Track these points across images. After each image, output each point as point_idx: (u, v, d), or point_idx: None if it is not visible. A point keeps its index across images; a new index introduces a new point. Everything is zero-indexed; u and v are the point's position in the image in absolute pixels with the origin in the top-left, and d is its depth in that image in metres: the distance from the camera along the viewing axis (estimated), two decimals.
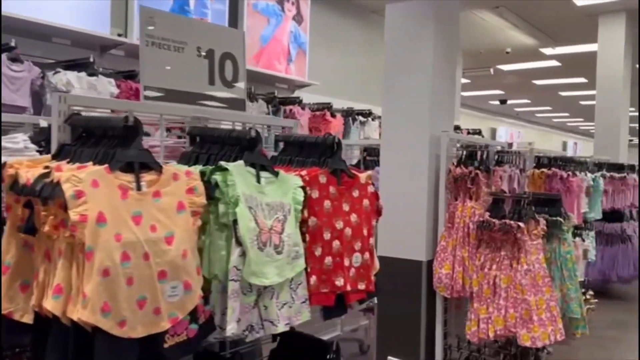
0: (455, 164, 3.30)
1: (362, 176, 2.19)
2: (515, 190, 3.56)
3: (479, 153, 3.26)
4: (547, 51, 10.29)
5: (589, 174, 5.27)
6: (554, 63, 11.35)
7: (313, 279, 1.89)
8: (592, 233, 5.37)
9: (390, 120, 3.48)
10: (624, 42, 7.78)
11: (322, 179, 2.00)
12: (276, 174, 1.84)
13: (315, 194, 1.96)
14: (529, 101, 17.76)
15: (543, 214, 3.57)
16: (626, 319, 5.64)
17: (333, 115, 6.75)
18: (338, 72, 7.53)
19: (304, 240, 1.91)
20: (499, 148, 3.69)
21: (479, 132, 10.37)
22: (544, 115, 21.36)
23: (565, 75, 12.23)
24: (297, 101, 6.34)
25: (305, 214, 1.92)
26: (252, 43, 5.84)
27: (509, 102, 17.57)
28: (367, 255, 2.13)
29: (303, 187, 1.86)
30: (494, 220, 3.03)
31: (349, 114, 7.21)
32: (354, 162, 4.36)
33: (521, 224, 2.95)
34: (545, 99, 16.73)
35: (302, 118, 6.25)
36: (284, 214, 1.80)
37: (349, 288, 1.98)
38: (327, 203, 2.00)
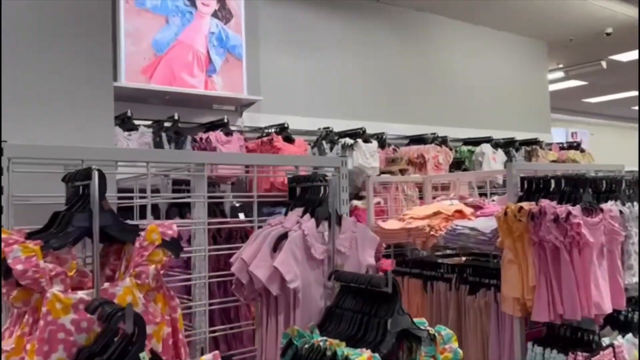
0: None
1: None
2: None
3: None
4: None
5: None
6: None
7: None
8: None
9: None
10: None
11: None
12: None
13: None
14: None
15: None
16: None
17: (289, 140, 4.92)
18: (301, 82, 5.65)
19: None
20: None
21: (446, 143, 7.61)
22: None
23: None
24: (221, 125, 4.64)
25: None
26: (138, 51, 4.32)
27: None
28: None
29: None
30: None
31: (325, 136, 5.30)
32: None
33: None
34: None
35: (228, 147, 4.53)
36: None
37: None
38: None
